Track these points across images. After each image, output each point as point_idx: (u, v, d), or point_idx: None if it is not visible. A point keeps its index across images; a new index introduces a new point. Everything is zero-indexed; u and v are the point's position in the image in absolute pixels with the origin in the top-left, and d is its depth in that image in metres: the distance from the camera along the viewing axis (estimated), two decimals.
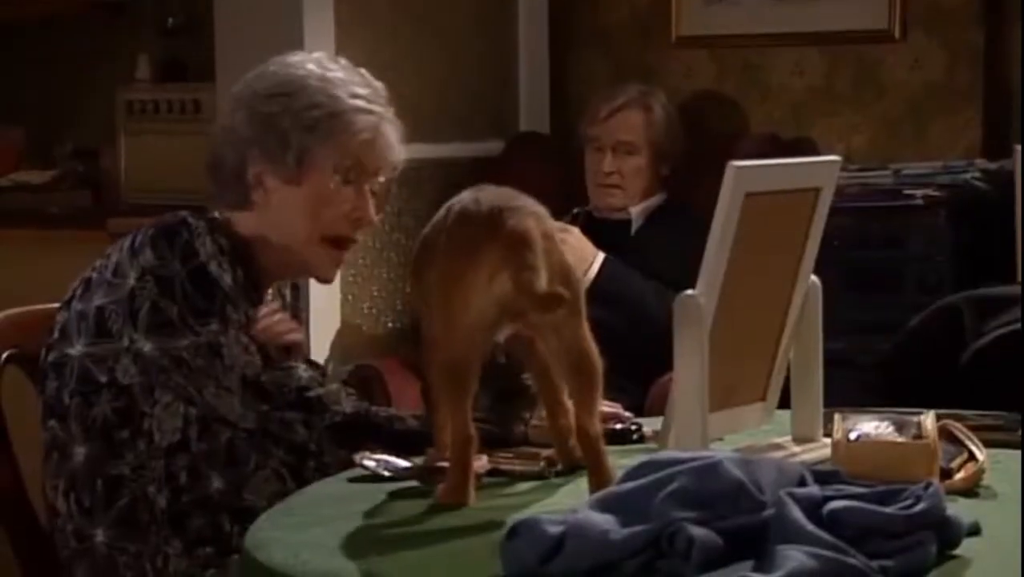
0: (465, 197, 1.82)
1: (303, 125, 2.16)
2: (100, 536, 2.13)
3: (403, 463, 1.95)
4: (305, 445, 2.12)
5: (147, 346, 2.09)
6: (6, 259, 3.97)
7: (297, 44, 3.82)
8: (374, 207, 2.22)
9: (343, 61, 2.26)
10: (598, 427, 1.78)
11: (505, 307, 1.76)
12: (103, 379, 2.11)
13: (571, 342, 1.78)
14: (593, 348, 1.79)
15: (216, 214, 2.20)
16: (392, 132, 2.22)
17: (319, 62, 2.23)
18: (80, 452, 2.13)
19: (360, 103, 2.19)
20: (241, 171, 2.19)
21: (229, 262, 2.11)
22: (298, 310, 2.37)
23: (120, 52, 4.42)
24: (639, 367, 3.21)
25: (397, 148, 2.24)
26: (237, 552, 2.05)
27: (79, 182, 4.37)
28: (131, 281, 2.10)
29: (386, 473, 1.93)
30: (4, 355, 2.25)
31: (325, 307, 3.97)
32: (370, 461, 1.95)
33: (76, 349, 2.13)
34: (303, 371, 2.12)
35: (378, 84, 2.26)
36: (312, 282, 4.15)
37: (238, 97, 2.22)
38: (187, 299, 2.08)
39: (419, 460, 1.93)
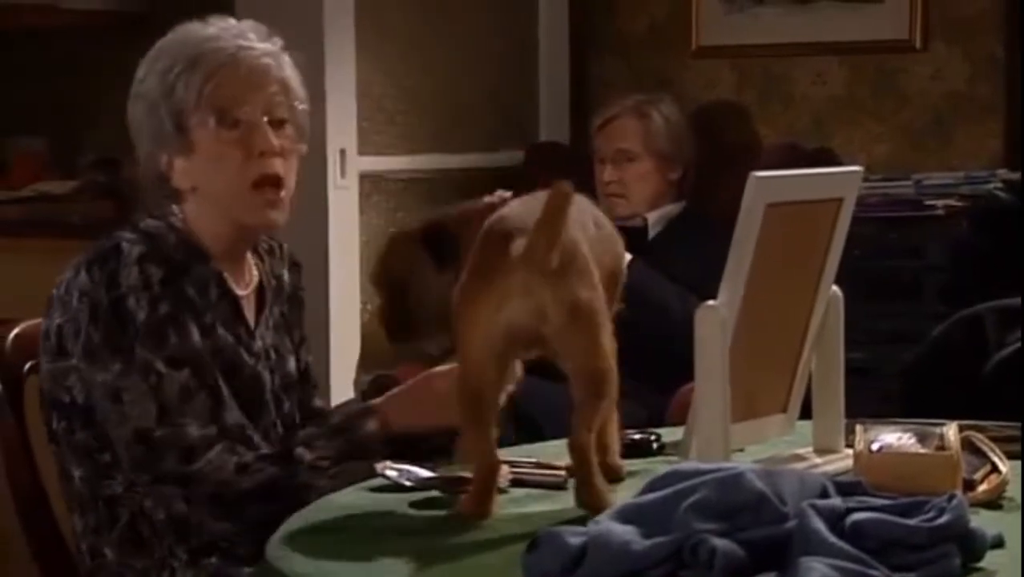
0: (502, 210, 1.78)
1: (165, 91, 2.11)
2: (110, 554, 2.12)
3: (425, 473, 1.95)
4: (186, 520, 2.06)
5: (84, 369, 2.07)
6: (28, 268, 3.98)
7: (318, 54, 3.83)
8: (279, 137, 2.12)
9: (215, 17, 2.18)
10: (591, 441, 1.74)
11: (514, 335, 1.72)
12: (66, 399, 2.09)
13: (588, 367, 1.73)
14: (612, 371, 1.74)
15: (174, 219, 2.13)
16: (255, 54, 2.12)
17: (182, 26, 2.17)
18: (77, 474, 2.12)
19: (211, 44, 2.11)
20: (155, 169, 2.14)
21: (151, 298, 2.03)
22: (300, 290, 2.30)
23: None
24: (660, 374, 3.21)
25: (271, 70, 2.12)
26: (244, 561, 2.05)
27: (101, 192, 4.38)
28: (74, 301, 2.06)
29: (408, 483, 1.93)
30: (27, 365, 2.25)
31: (345, 317, 3.98)
32: (392, 471, 1.95)
33: (43, 369, 2.12)
34: (195, 429, 2.03)
35: (251, 22, 2.17)
36: (332, 292, 4.15)
37: (129, 100, 2.17)
38: (106, 330, 2.04)
39: (441, 470, 1.93)
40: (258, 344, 2.19)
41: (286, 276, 2.29)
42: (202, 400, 2.05)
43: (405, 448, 2.08)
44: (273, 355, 2.22)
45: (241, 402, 2.12)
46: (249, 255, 2.22)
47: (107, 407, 2.05)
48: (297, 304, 2.30)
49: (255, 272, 2.23)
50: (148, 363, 2.02)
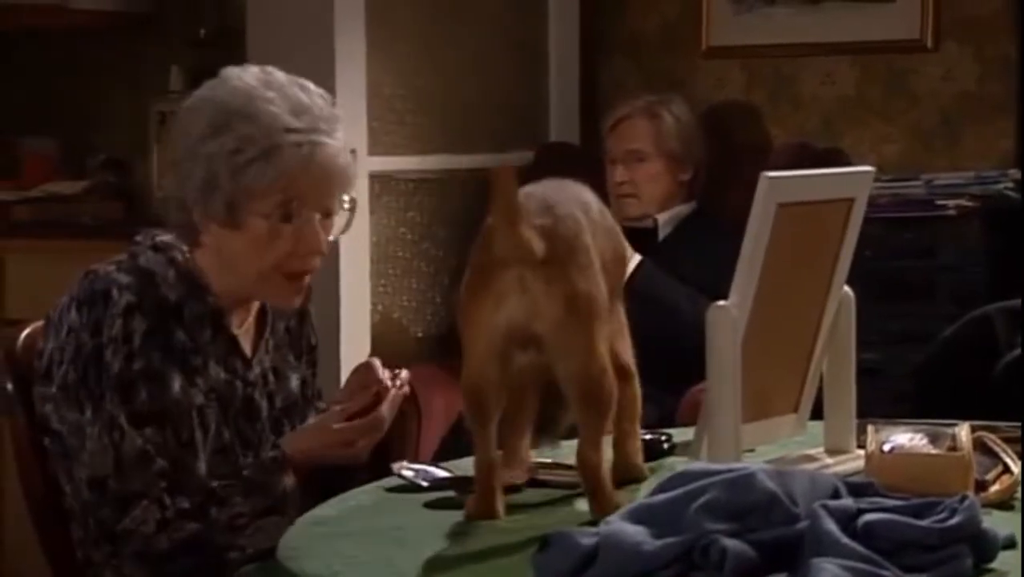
0: None
1: (232, 170, 2.05)
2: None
3: (441, 473, 1.94)
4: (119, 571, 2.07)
5: (59, 401, 2.06)
6: (39, 269, 3.99)
7: (328, 54, 3.83)
8: (327, 233, 2.11)
9: (280, 76, 2.12)
10: (601, 456, 1.73)
11: (511, 335, 1.71)
12: (48, 425, 2.10)
13: (582, 367, 1.71)
14: (607, 374, 1.73)
15: (177, 253, 2.12)
16: (328, 153, 2.08)
17: (251, 88, 2.09)
18: (68, 490, 2.12)
19: (289, 137, 2.06)
20: (185, 218, 2.11)
21: (128, 352, 2.02)
22: (309, 347, 2.28)
23: (152, 63, 4.43)
24: (670, 375, 3.21)
25: (339, 169, 2.10)
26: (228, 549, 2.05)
27: (111, 193, 4.39)
28: (63, 333, 2.06)
29: (423, 483, 1.93)
30: None
31: (355, 317, 3.98)
32: (408, 471, 1.95)
33: (34, 390, 2.12)
34: (137, 486, 2.03)
35: (318, 99, 2.11)
36: (343, 293, 4.14)
37: (180, 140, 2.11)
38: (84, 373, 2.04)
39: (457, 470, 1.93)
40: (255, 371, 2.18)
41: None
42: (159, 464, 2.04)
43: (327, 486, 2.06)
44: (272, 378, 2.21)
45: (235, 434, 2.13)
46: None
47: (72, 444, 2.06)
48: (302, 315, 2.28)
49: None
50: (113, 418, 2.03)
